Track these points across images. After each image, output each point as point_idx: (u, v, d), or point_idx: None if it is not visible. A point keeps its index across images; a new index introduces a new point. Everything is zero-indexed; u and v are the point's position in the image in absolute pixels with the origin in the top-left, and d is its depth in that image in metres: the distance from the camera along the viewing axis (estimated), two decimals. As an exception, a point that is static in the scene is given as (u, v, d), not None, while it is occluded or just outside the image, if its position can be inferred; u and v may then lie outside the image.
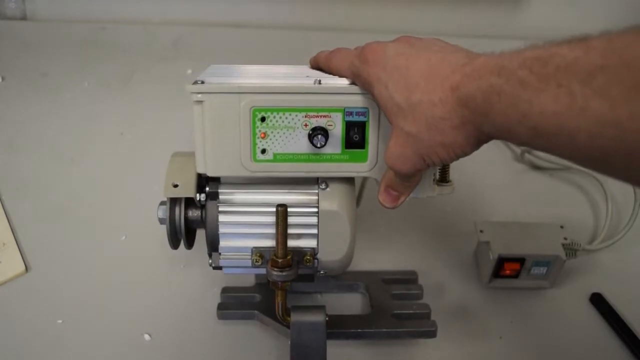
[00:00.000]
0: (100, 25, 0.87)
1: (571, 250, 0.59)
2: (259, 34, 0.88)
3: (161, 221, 0.50)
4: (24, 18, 0.90)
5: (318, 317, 0.50)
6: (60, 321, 0.57)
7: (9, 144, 0.73)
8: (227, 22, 0.91)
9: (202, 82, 0.43)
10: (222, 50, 0.88)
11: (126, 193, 0.68)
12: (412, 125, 0.38)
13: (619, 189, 0.69)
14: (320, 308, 0.50)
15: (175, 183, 0.48)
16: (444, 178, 0.49)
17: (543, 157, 0.72)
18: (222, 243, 0.49)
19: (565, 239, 0.58)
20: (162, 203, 0.50)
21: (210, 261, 0.51)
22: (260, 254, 0.49)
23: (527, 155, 0.74)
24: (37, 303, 0.58)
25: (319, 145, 0.44)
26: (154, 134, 0.73)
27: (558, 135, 0.29)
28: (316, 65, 0.50)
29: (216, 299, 0.58)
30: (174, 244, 0.51)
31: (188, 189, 0.48)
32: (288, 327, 0.49)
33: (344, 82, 0.45)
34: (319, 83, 0.44)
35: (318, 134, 0.44)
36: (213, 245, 0.50)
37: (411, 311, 0.55)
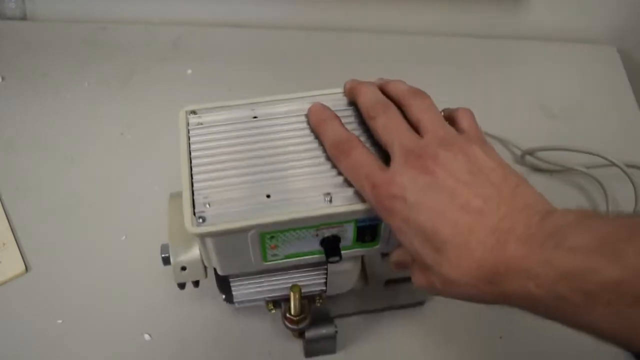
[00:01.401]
0: (100, 25, 0.87)
1: (571, 250, 0.58)
2: (259, 34, 0.88)
3: (165, 261, 0.45)
4: (24, 18, 0.90)
5: (329, 330, 0.52)
6: (60, 321, 0.57)
7: (9, 144, 0.73)
8: (227, 22, 0.91)
9: (203, 220, 0.38)
10: (222, 50, 0.87)
11: (126, 193, 0.68)
12: (435, 276, 0.35)
13: (619, 190, 0.69)
14: (330, 323, 0.52)
15: (184, 266, 0.44)
16: None
17: (543, 159, 0.72)
18: (235, 293, 0.49)
19: (566, 239, 0.58)
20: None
21: (223, 297, 0.50)
22: (274, 303, 0.50)
23: (527, 157, 0.74)
24: (37, 303, 0.58)
25: (334, 262, 0.42)
26: (154, 134, 0.73)
27: (612, 340, 0.29)
28: (351, 97, 0.45)
29: (216, 298, 0.58)
30: (182, 286, 0.48)
31: (197, 272, 0.45)
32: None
33: (357, 197, 0.40)
34: (330, 201, 0.39)
35: (332, 254, 0.41)
36: (224, 290, 0.49)
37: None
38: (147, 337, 0.56)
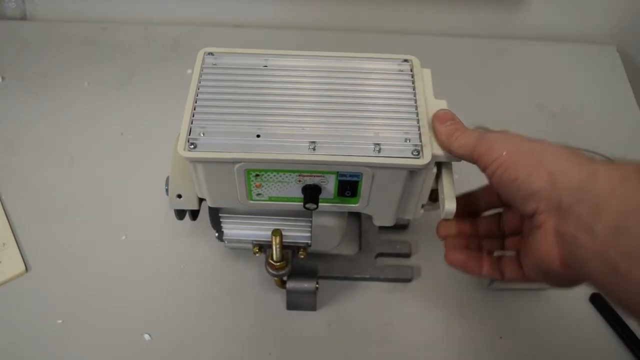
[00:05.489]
0: (100, 25, 0.87)
1: (571, 250, 0.59)
2: (259, 34, 0.88)
3: (167, 192, 0.51)
4: (24, 18, 0.90)
5: (310, 285, 0.56)
6: (60, 321, 0.57)
7: (9, 144, 0.73)
8: (227, 22, 0.91)
9: (194, 146, 0.42)
10: (222, 50, 0.87)
11: (126, 193, 0.68)
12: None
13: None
14: (313, 279, 0.56)
15: (179, 194, 0.49)
16: (433, 198, 0.49)
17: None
18: (225, 232, 0.53)
19: (565, 239, 0.58)
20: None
21: (216, 234, 0.54)
22: (259, 247, 0.53)
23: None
24: (37, 303, 0.58)
25: (310, 209, 0.45)
26: (154, 134, 0.73)
27: None
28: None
29: (216, 299, 0.58)
30: (180, 215, 0.52)
31: (191, 201, 0.50)
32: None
33: (339, 150, 0.42)
34: (314, 149, 0.42)
35: (309, 200, 0.44)
36: (217, 227, 0.53)
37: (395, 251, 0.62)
38: (147, 337, 0.56)
